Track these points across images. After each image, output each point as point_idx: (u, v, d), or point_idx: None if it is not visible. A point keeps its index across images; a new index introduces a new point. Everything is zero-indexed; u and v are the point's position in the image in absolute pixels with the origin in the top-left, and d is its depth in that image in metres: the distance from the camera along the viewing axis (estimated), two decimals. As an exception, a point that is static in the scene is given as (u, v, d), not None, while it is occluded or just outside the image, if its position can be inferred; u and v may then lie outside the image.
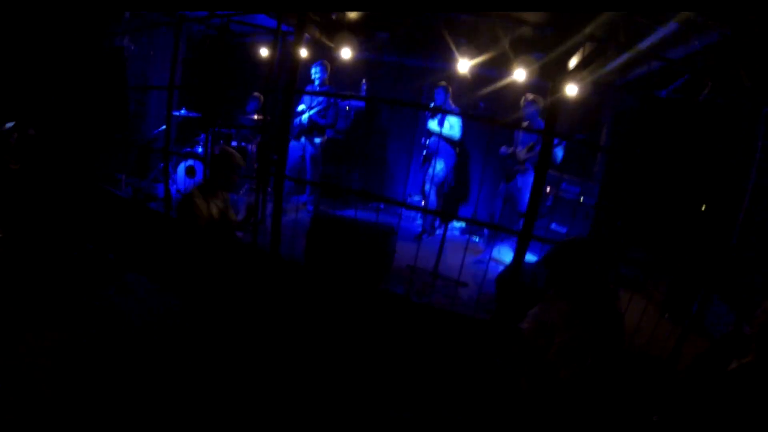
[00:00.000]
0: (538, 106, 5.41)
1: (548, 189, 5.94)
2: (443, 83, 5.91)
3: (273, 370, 3.12)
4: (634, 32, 4.24)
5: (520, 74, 5.33)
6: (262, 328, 3.57)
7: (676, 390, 2.61)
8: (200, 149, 6.61)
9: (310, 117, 6.10)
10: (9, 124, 5.03)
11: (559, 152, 5.29)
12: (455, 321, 3.48)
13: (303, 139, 6.27)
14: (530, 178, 5.27)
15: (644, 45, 4.24)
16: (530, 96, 5.46)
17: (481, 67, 5.76)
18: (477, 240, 6.30)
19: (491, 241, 5.76)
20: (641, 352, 3.49)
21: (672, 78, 5.17)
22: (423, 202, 6.27)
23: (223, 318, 3.64)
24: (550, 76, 4.83)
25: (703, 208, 5.22)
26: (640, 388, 2.97)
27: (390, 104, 6.96)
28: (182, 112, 6.60)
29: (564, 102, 5.01)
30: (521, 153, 5.51)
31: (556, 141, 5.08)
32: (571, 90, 5.17)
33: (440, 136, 5.84)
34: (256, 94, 6.97)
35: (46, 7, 5.65)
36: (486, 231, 6.18)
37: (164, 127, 6.74)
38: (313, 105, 6.15)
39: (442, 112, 5.75)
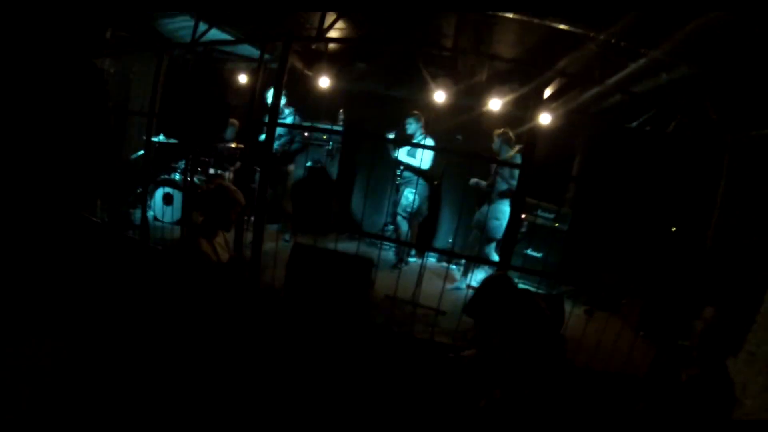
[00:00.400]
0: (507, 137, 5.59)
1: (523, 216, 6.09)
2: (416, 113, 6.01)
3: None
4: (605, 67, 4.48)
5: (495, 104, 5.53)
6: (243, 358, 3.59)
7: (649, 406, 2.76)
8: (178, 176, 6.62)
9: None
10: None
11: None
12: (435, 349, 3.57)
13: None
14: (497, 206, 5.53)
15: (614, 79, 4.46)
16: (499, 131, 5.64)
17: (458, 97, 5.95)
18: (454, 268, 6.40)
19: (469, 269, 5.86)
20: (617, 372, 3.66)
21: (643, 110, 5.43)
22: (395, 232, 6.37)
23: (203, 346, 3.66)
24: (525, 106, 5.06)
25: (673, 230, 5.47)
26: (616, 407, 3.09)
27: (356, 135, 7.15)
28: (161, 138, 6.59)
29: (539, 131, 5.28)
30: (482, 185, 5.71)
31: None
32: (545, 119, 5.37)
33: (409, 167, 5.98)
34: (233, 120, 7.01)
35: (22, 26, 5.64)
36: (462, 261, 6.30)
37: (142, 152, 6.81)
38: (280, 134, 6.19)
39: (409, 145, 5.92)
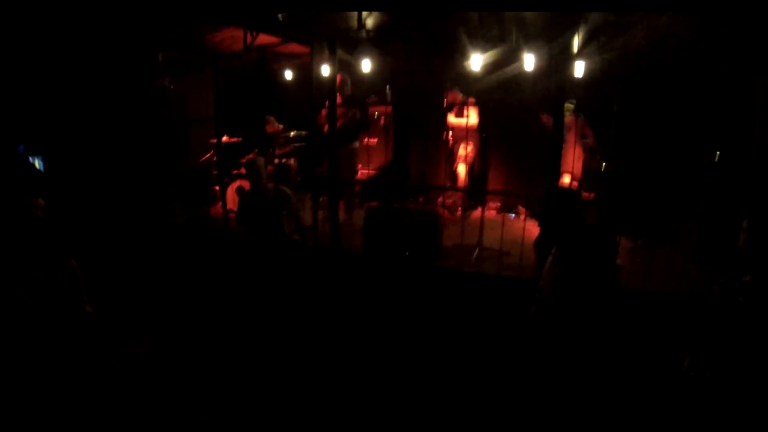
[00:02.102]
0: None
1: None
2: (456, 80, 6.63)
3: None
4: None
5: (529, 61, 6.08)
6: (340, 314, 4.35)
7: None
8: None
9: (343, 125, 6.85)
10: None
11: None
12: (503, 284, 4.25)
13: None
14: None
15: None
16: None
17: (494, 58, 6.53)
18: (512, 216, 7.05)
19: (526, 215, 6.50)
20: (670, 294, 4.16)
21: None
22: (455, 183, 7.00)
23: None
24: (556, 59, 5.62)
25: (716, 157, 5.85)
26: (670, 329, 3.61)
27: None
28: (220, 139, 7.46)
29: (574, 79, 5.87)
30: None
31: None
32: (579, 68, 5.90)
33: (459, 126, 6.61)
34: (270, 117, 7.80)
35: (93, 58, 6.52)
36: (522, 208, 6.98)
37: (210, 154, 7.73)
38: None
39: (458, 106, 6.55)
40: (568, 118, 6.34)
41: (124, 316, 4.43)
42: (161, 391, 3.61)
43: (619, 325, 2.99)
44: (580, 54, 6.00)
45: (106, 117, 6.58)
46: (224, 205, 6.48)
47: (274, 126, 7.71)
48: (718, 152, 5.80)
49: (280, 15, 5.65)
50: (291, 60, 7.88)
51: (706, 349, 2.81)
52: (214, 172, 7.67)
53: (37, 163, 6.15)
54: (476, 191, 6.86)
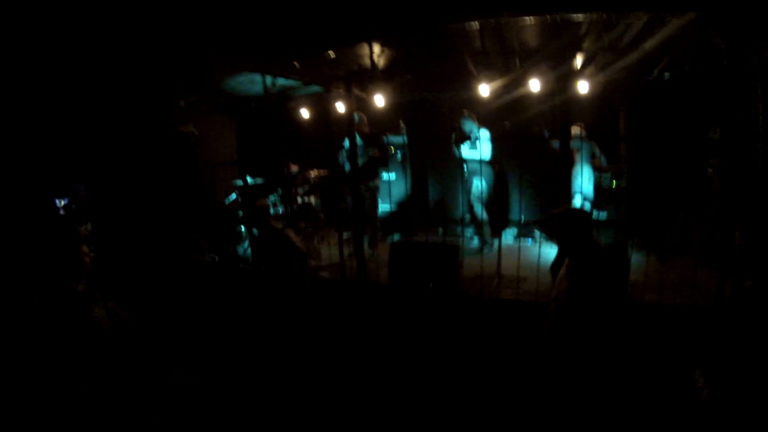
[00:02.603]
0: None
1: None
2: (466, 112, 6.91)
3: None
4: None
5: (534, 85, 6.43)
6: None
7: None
8: (270, 210, 7.88)
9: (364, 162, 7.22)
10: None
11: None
12: (520, 307, 4.54)
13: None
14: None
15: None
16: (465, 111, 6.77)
17: (501, 87, 6.89)
18: (529, 242, 7.33)
19: (542, 241, 6.78)
20: (686, 305, 4.38)
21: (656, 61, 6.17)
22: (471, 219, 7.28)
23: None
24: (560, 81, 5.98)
25: (718, 162, 5.98)
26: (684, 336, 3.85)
27: (425, 140, 8.21)
28: (248, 180, 7.88)
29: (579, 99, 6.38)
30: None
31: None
32: (583, 87, 6.27)
33: (473, 160, 6.87)
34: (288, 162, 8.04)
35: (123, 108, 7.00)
36: (536, 233, 7.25)
37: (234, 196, 8.15)
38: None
39: (469, 139, 6.86)
40: (576, 139, 6.65)
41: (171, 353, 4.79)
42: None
43: (629, 336, 3.31)
44: (583, 74, 6.37)
45: (133, 163, 7.02)
46: (252, 244, 6.86)
47: (291, 170, 8.10)
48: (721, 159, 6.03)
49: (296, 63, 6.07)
50: (308, 98, 8.31)
51: (716, 354, 3.10)
52: (239, 212, 8.09)
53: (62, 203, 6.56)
54: (493, 223, 7.12)
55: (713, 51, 5.23)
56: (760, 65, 4.99)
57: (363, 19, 5.02)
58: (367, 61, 5.99)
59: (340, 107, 7.38)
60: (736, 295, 3.67)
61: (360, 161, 6.57)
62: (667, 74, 6.40)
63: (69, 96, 6.35)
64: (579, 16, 4.87)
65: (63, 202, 6.45)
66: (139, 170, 7.09)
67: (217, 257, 7.43)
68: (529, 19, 5.02)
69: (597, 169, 6.85)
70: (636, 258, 5.51)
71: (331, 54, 5.87)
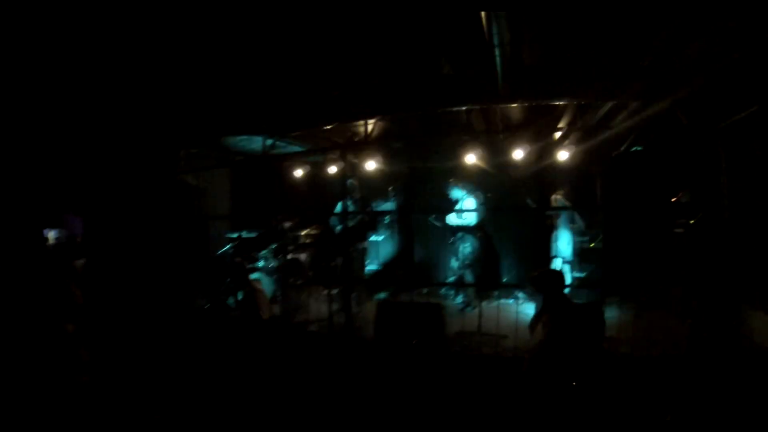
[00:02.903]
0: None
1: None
2: (455, 180, 7.42)
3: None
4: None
5: (518, 155, 6.95)
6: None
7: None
8: (262, 263, 8.21)
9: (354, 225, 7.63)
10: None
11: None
12: (500, 363, 4.88)
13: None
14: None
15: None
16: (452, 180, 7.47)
17: (487, 157, 7.43)
18: (511, 302, 7.68)
19: (525, 300, 7.17)
20: (658, 356, 4.71)
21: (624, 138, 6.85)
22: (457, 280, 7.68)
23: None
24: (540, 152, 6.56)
25: (691, 222, 6.28)
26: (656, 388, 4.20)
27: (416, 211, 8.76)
28: (243, 233, 8.23)
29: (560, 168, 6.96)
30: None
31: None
32: (563, 156, 6.83)
33: (459, 227, 7.35)
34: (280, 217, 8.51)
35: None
36: (519, 294, 7.64)
37: (228, 246, 8.47)
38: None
39: (456, 210, 7.36)
40: (557, 204, 7.16)
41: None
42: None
43: (602, 383, 3.70)
44: (561, 146, 6.93)
45: (132, 205, 7.27)
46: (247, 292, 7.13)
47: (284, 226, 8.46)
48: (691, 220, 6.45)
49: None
50: (303, 159, 8.78)
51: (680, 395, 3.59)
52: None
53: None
54: (477, 284, 7.53)
55: (676, 126, 5.74)
56: (724, 131, 5.42)
57: (359, 103, 5.57)
58: (362, 131, 6.51)
59: (333, 170, 7.84)
60: (691, 344, 4.12)
61: (350, 224, 7.00)
62: (637, 148, 7.00)
63: (80, 135, 6.68)
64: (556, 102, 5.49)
65: (53, 233, 6.47)
66: (137, 213, 7.37)
67: (208, 305, 7.67)
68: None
69: (577, 233, 7.32)
70: (612, 313, 5.94)
71: (328, 126, 6.38)
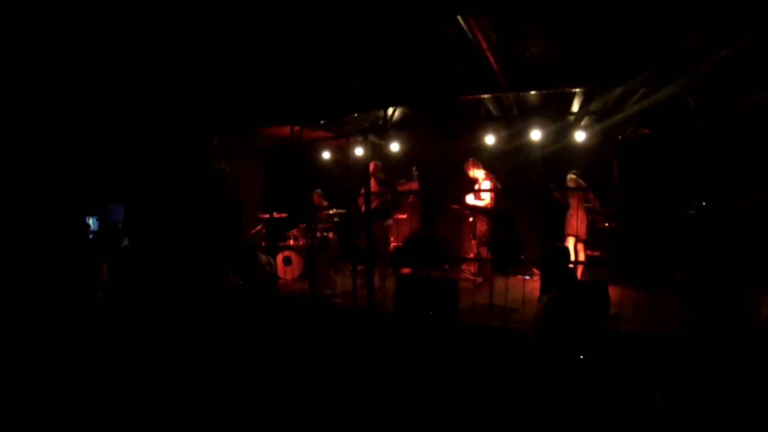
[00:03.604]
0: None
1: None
2: (471, 159, 7.82)
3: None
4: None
5: (536, 135, 7.32)
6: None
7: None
8: (291, 242, 8.82)
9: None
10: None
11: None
12: (507, 334, 5.34)
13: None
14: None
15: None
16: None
17: (505, 139, 7.83)
18: (527, 277, 8.13)
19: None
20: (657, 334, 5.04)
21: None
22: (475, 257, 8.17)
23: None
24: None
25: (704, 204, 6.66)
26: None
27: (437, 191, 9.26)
28: (271, 214, 8.83)
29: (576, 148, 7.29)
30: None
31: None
32: (580, 136, 7.17)
33: (476, 207, 7.80)
34: (318, 191, 9.14)
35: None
36: (533, 270, 8.07)
37: (259, 227, 9.09)
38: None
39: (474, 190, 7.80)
40: (572, 185, 7.51)
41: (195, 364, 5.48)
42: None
43: (604, 358, 4.06)
44: (577, 127, 7.27)
45: (170, 191, 7.95)
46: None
47: (321, 199, 9.04)
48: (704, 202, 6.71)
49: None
50: (330, 143, 9.30)
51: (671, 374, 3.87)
52: (263, 244, 9.03)
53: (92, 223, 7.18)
54: (494, 260, 7.94)
55: (684, 110, 5.99)
56: (741, 112, 5.72)
57: (382, 96, 6.05)
58: (383, 117, 7.00)
59: (359, 152, 8.34)
60: (681, 325, 4.46)
61: (374, 203, 7.51)
62: (644, 131, 7.29)
63: (119, 128, 7.30)
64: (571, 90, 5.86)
65: (92, 220, 7.05)
66: (174, 198, 8.00)
67: (241, 282, 8.29)
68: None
69: (590, 213, 7.66)
70: (623, 293, 6.34)
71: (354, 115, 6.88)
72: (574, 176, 7.59)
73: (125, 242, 5.66)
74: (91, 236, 6.85)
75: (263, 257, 6.09)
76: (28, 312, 4.47)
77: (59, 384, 3.90)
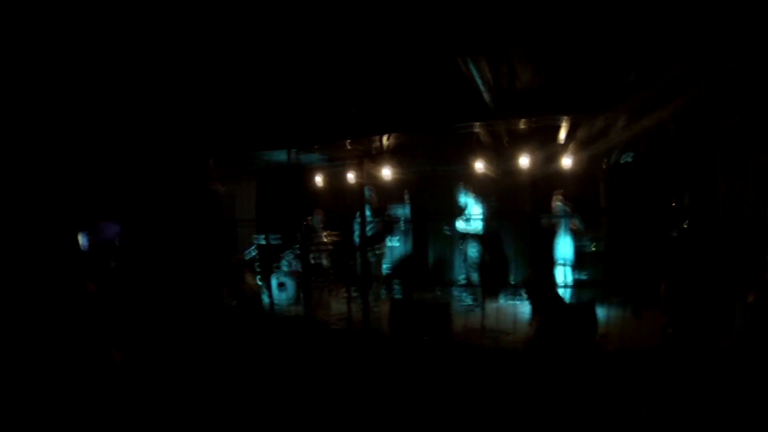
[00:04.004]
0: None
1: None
2: (463, 186, 8.08)
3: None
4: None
5: (524, 162, 7.61)
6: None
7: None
8: (285, 266, 8.99)
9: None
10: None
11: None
12: (499, 355, 5.55)
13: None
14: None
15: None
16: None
17: (496, 167, 8.11)
18: (517, 302, 8.33)
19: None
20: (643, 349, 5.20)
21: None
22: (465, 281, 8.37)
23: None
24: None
25: (685, 225, 6.69)
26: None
27: (429, 216, 9.51)
28: (265, 238, 8.99)
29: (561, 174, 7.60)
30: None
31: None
32: (567, 163, 7.47)
33: (467, 233, 8.03)
34: (318, 210, 9.27)
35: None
36: (523, 294, 8.29)
37: (252, 249, 9.26)
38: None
39: (464, 216, 8.03)
40: (557, 209, 7.79)
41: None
42: None
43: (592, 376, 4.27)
44: (564, 153, 7.58)
45: (164, 209, 8.04)
46: (270, 293, 7.92)
47: (321, 217, 9.22)
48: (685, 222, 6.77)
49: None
50: (324, 168, 9.57)
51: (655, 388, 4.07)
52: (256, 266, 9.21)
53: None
54: (484, 285, 8.15)
55: (664, 135, 6.27)
56: (720, 136, 5.96)
57: (377, 122, 6.32)
58: (378, 144, 7.27)
59: (352, 177, 8.58)
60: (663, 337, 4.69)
61: (368, 229, 7.74)
62: (627, 157, 7.61)
63: (114, 145, 7.37)
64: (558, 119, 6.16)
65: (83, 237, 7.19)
66: (168, 217, 8.11)
67: (234, 303, 8.41)
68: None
69: (577, 236, 7.92)
70: (610, 312, 6.63)
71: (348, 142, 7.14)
72: (558, 202, 7.89)
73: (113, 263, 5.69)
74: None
75: (249, 276, 6.23)
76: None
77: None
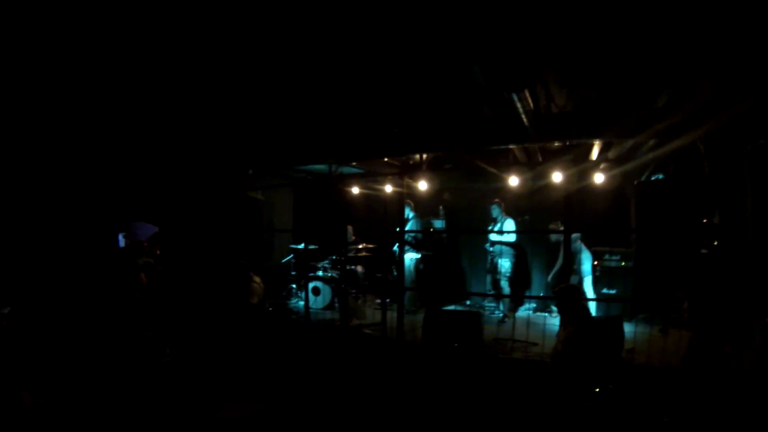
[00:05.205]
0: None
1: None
2: (497, 200, 8.49)
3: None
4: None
5: (557, 178, 7.93)
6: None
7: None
8: (321, 273, 9.46)
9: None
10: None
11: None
12: (528, 366, 5.90)
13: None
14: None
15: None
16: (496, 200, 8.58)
17: (528, 182, 8.46)
18: (546, 315, 8.65)
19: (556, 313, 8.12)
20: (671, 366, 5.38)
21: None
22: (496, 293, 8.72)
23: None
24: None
25: (715, 243, 6.85)
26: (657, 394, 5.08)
27: (462, 231, 9.95)
28: (302, 246, 9.47)
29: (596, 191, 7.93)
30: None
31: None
32: (599, 179, 7.79)
33: (500, 243, 8.44)
34: (348, 227, 9.71)
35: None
36: (552, 307, 8.61)
37: (291, 257, 9.76)
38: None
39: (498, 231, 8.41)
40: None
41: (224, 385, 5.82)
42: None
43: (616, 388, 4.50)
44: (597, 170, 7.88)
45: (205, 215, 8.67)
46: (306, 299, 8.37)
47: (351, 234, 9.70)
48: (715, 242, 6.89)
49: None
50: (361, 179, 10.03)
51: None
52: (292, 273, 9.71)
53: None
54: (514, 297, 8.56)
55: (695, 154, 6.48)
56: (751, 154, 6.13)
57: (418, 141, 6.76)
58: (416, 157, 7.72)
59: (389, 189, 9.02)
60: (688, 354, 4.97)
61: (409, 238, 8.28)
62: (658, 176, 7.87)
63: (159, 155, 8.00)
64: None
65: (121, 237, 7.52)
66: (207, 222, 8.71)
67: (271, 308, 8.89)
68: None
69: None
70: (637, 328, 6.86)
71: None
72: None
73: (144, 259, 6.07)
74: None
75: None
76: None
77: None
